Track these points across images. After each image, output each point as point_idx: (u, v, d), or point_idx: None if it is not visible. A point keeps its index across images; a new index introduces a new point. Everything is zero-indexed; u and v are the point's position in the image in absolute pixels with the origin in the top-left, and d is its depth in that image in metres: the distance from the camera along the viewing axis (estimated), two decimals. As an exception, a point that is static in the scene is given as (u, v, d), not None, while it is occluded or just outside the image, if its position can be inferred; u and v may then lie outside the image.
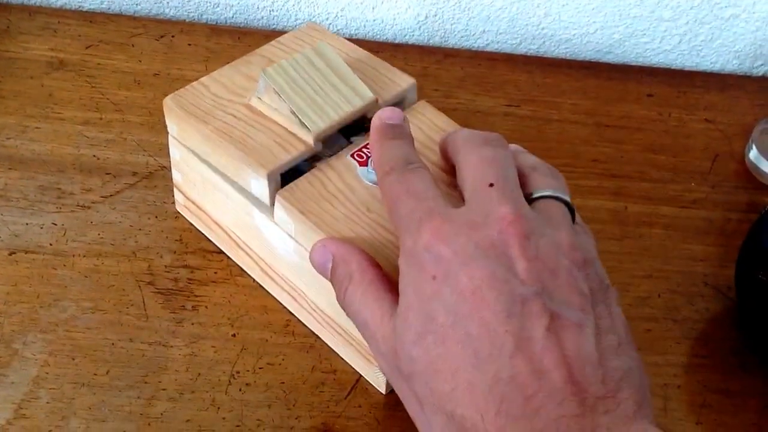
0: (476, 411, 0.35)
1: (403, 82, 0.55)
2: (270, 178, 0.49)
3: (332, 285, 0.44)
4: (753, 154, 0.66)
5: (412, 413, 0.40)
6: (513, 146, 0.48)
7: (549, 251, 0.39)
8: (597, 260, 0.42)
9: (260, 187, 0.49)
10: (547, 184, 0.43)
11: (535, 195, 0.43)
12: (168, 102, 0.52)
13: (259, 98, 0.52)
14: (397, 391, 0.41)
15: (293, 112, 0.50)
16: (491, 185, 0.41)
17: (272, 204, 0.50)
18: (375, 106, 0.52)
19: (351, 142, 0.52)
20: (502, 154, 0.43)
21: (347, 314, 0.44)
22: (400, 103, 0.55)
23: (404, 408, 0.49)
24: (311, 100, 0.51)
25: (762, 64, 0.78)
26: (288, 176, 0.50)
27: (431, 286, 0.38)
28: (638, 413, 0.35)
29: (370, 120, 0.50)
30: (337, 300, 0.44)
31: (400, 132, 0.46)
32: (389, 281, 0.42)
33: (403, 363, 0.39)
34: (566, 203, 0.43)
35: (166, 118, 0.53)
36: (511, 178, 0.42)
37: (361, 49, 0.57)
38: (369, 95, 0.52)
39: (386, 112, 0.47)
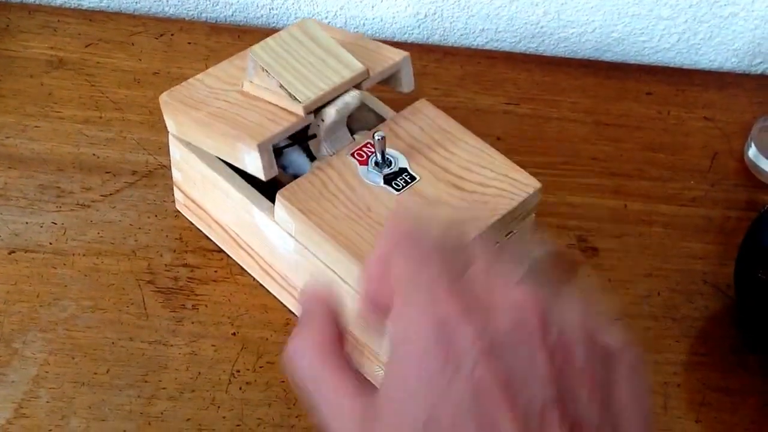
0: None
1: (396, 55, 0.55)
2: (261, 149, 0.48)
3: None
4: (752, 152, 0.66)
5: None
6: None
7: (566, 338, 0.34)
8: (604, 318, 0.37)
9: (253, 160, 0.49)
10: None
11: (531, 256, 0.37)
12: (164, 98, 0.53)
13: (251, 81, 0.52)
14: None
15: (282, 86, 0.50)
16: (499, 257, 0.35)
17: (267, 178, 0.49)
18: (365, 76, 0.52)
19: (354, 140, 0.52)
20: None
21: (292, 364, 0.35)
22: (394, 75, 0.54)
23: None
24: (299, 73, 0.51)
25: (761, 62, 0.78)
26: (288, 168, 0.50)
27: (440, 377, 0.33)
28: None
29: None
30: (289, 343, 0.36)
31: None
32: (346, 349, 0.36)
33: None
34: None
35: (164, 115, 0.53)
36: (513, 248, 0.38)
37: (351, 32, 0.57)
38: (358, 65, 0.52)
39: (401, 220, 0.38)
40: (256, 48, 0.51)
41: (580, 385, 0.34)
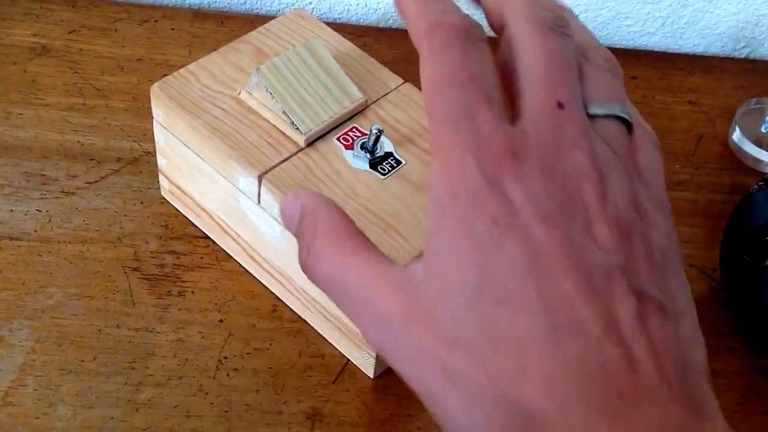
0: (554, 400, 0.29)
1: (391, 81, 0.55)
2: (261, 179, 0.49)
3: (297, 241, 0.34)
4: (736, 135, 0.66)
5: (429, 393, 0.31)
6: None
7: (626, 212, 0.31)
8: (665, 206, 0.34)
9: (249, 184, 0.49)
10: (610, 94, 0.34)
11: (596, 110, 0.33)
12: (156, 90, 0.52)
13: (250, 93, 0.52)
14: (400, 367, 0.32)
15: (285, 113, 0.50)
16: (560, 106, 0.32)
17: (260, 202, 0.50)
18: (364, 106, 0.52)
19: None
20: (570, 51, 0.33)
21: (312, 276, 0.33)
22: (387, 94, 0.54)
23: (393, 392, 0.50)
24: (302, 100, 0.51)
25: (744, 46, 0.78)
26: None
27: (491, 231, 0.30)
28: (718, 414, 0.30)
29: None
30: (302, 262, 0.34)
31: None
32: (364, 236, 0.33)
33: (442, 327, 0.30)
34: (625, 121, 0.34)
35: (152, 105, 0.53)
36: (580, 94, 0.33)
37: (348, 42, 0.57)
38: (358, 96, 0.52)
39: None
40: (263, 68, 0.51)
41: (640, 260, 0.31)
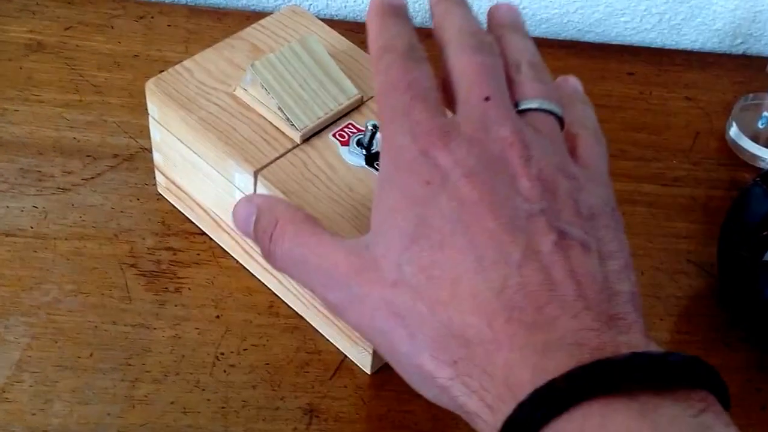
0: (481, 318, 0.33)
1: None
2: (257, 175, 0.48)
3: (255, 239, 0.40)
4: (733, 131, 0.66)
5: (380, 332, 0.36)
6: (502, 12, 0.44)
7: (549, 173, 0.37)
8: (604, 179, 0.40)
9: (245, 181, 0.49)
10: (536, 92, 0.40)
11: (524, 106, 0.40)
12: (151, 86, 0.52)
13: (245, 89, 0.52)
14: (353, 317, 0.37)
15: (280, 109, 0.50)
16: (487, 99, 0.38)
17: (255, 192, 0.49)
18: (360, 103, 0.52)
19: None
20: (496, 62, 0.40)
21: (276, 266, 0.39)
22: None
23: (391, 388, 0.50)
24: (298, 96, 0.50)
25: (741, 42, 0.78)
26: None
27: (425, 189, 0.36)
28: (648, 339, 0.34)
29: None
30: (263, 252, 0.40)
31: (403, 11, 0.41)
32: (316, 219, 0.39)
33: (385, 272, 0.36)
34: (555, 114, 0.40)
35: (147, 101, 0.53)
36: (505, 91, 0.39)
37: (343, 38, 0.57)
38: (354, 92, 0.52)
39: None
40: (258, 64, 0.51)
41: (562, 208, 0.36)
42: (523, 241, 0.34)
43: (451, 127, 0.37)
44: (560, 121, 0.40)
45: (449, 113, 0.39)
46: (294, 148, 0.50)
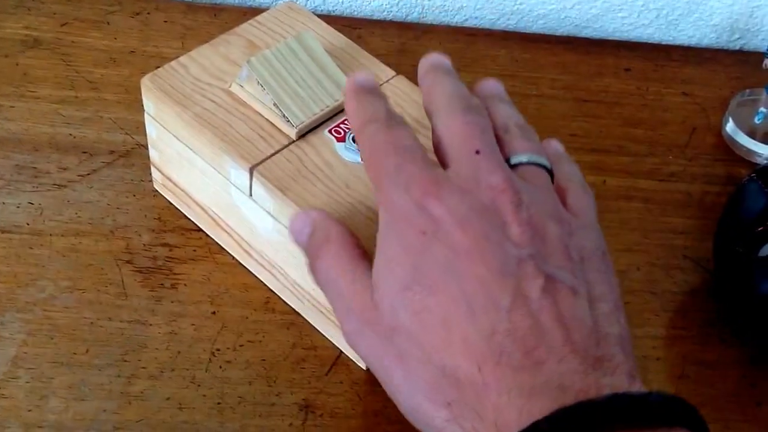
0: (472, 362, 0.35)
1: (383, 74, 0.55)
2: (252, 172, 0.48)
3: (306, 252, 0.43)
4: (730, 126, 0.66)
5: (383, 369, 0.39)
6: (488, 86, 0.46)
7: (539, 218, 0.38)
8: (594, 225, 0.41)
9: (240, 177, 0.49)
10: (524, 147, 0.42)
11: (515, 161, 0.42)
12: (146, 82, 0.52)
13: (241, 85, 0.52)
14: (363, 351, 0.40)
15: (276, 105, 0.50)
16: (477, 152, 0.40)
17: (251, 195, 0.49)
18: None
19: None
20: (484, 121, 0.42)
21: (317, 277, 0.42)
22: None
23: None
24: (294, 92, 0.50)
25: (739, 38, 0.78)
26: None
27: (420, 240, 0.38)
28: (634, 377, 0.36)
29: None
30: (309, 265, 0.42)
31: (376, 90, 0.44)
32: (365, 251, 0.41)
33: (385, 316, 0.38)
34: (544, 167, 0.42)
35: (143, 97, 0.53)
36: (495, 146, 0.41)
37: (340, 35, 0.57)
38: None
39: (359, 74, 0.45)
40: (254, 61, 0.51)
41: (552, 252, 0.38)
42: (513, 286, 0.36)
43: (442, 177, 0.39)
44: (550, 174, 0.42)
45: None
46: (290, 144, 0.50)
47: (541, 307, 0.36)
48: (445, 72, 0.45)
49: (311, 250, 0.43)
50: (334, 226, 0.43)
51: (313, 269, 0.42)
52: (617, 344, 0.36)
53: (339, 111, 0.51)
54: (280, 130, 0.50)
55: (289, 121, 0.50)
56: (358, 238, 0.42)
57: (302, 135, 0.50)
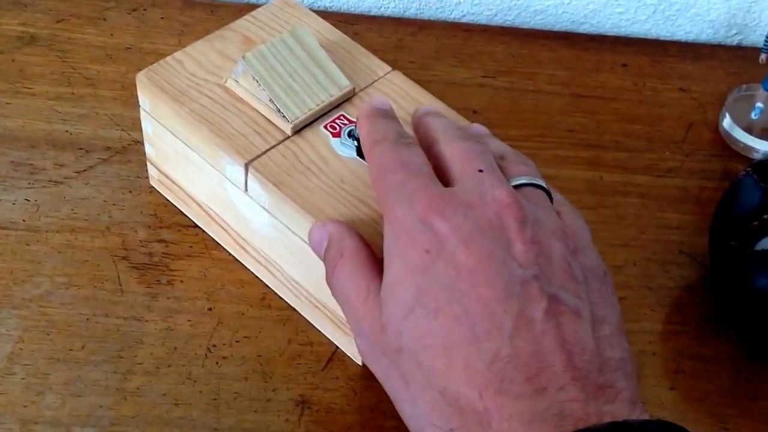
0: (473, 388, 0.35)
1: (379, 69, 0.55)
2: (248, 167, 0.48)
3: (324, 263, 0.43)
4: (726, 122, 0.66)
5: (392, 389, 0.39)
6: (476, 127, 0.48)
7: (544, 236, 0.38)
8: (591, 247, 0.41)
9: (236, 173, 0.49)
10: (522, 171, 0.43)
11: (513, 183, 0.42)
12: (141, 78, 0.52)
13: (236, 81, 0.52)
14: (375, 370, 0.40)
15: (271, 101, 0.50)
16: (480, 171, 0.40)
17: (247, 190, 0.49)
18: (352, 94, 0.52)
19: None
20: (484, 147, 0.43)
21: (333, 292, 0.43)
22: (375, 82, 0.54)
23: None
24: (289, 88, 0.50)
25: (736, 33, 0.78)
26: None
27: (423, 258, 0.37)
28: (635, 403, 0.35)
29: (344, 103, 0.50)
30: (326, 278, 0.43)
31: (390, 113, 0.46)
32: (380, 265, 0.41)
33: (390, 338, 0.38)
34: (543, 189, 0.43)
35: (138, 93, 0.53)
36: (496, 168, 0.42)
37: (336, 30, 0.56)
38: (346, 84, 0.52)
39: (377, 98, 0.47)
40: (249, 56, 0.51)
41: (557, 274, 0.37)
42: (516, 309, 0.36)
43: (447, 194, 0.39)
44: (548, 196, 0.43)
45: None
46: (285, 140, 0.50)
47: (544, 331, 0.35)
48: (438, 114, 0.46)
49: (327, 264, 0.43)
50: (348, 238, 0.43)
51: (329, 283, 0.43)
52: (619, 369, 0.36)
53: (334, 106, 0.51)
54: (275, 126, 0.50)
55: (284, 116, 0.50)
56: (373, 251, 0.42)
57: (298, 130, 0.50)
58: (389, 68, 0.55)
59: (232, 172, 0.49)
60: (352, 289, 0.41)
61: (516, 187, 0.41)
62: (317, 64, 0.52)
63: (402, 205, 0.39)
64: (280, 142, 0.50)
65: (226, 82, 0.52)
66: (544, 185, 0.42)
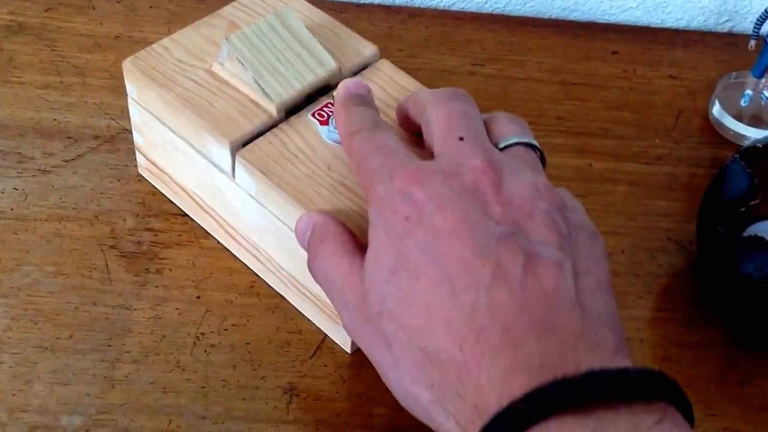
0: (453, 342, 0.35)
1: (365, 49, 0.54)
2: (233, 148, 0.48)
3: (307, 251, 0.44)
4: (716, 109, 0.66)
5: (376, 357, 0.40)
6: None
7: (524, 194, 0.39)
8: (580, 209, 0.42)
9: (222, 156, 0.49)
10: (511, 131, 0.44)
11: (502, 144, 0.43)
12: (128, 65, 0.52)
13: (222, 64, 0.51)
14: (359, 340, 0.41)
15: (256, 81, 0.50)
16: (461, 138, 0.41)
17: (233, 171, 0.49)
18: (338, 74, 0.52)
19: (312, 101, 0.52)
20: (470, 108, 0.44)
21: (315, 276, 0.43)
22: (363, 70, 0.54)
23: (370, 366, 0.50)
24: (274, 69, 0.50)
25: (727, 20, 0.78)
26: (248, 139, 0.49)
27: (403, 226, 0.38)
28: (618, 352, 0.35)
29: (333, 88, 0.50)
30: (308, 264, 0.44)
31: (365, 99, 0.47)
32: (362, 247, 0.42)
33: (373, 303, 0.39)
34: (534, 147, 0.43)
35: (125, 81, 0.53)
36: (480, 131, 0.42)
37: (323, 13, 0.56)
38: (332, 64, 0.52)
39: (351, 81, 0.47)
40: (233, 38, 0.51)
41: (537, 226, 0.38)
42: (493, 263, 0.36)
43: (425, 166, 0.40)
44: (540, 154, 0.44)
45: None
46: (272, 123, 0.50)
47: (522, 284, 0.36)
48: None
49: (310, 249, 0.44)
50: (331, 225, 0.44)
51: (311, 268, 0.43)
52: (600, 318, 0.36)
53: (320, 87, 0.51)
54: (260, 107, 0.50)
55: (269, 96, 0.50)
56: (354, 236, 0.43)
57: (286, 115, 0.50)
58: (375, 48, 0.54)
59: (218, 156, 0.49)
60: (334, 266, 0.42)
61: (504, 147, 0.43)
62: (302, 45, 0.52)
63: (383, 182, 0.40)
64: (268, 129, 0.50)
65: (212, 67, 0.52)
66: (534, 142, 0.43)
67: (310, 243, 0.44)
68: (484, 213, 0.38)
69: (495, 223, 0.38)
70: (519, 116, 0.46)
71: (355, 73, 0.54)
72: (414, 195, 0.39)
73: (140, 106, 0.53)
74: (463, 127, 0.42)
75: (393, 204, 0.39)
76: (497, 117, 0.45)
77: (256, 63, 0.50)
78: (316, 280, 0.43)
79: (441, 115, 0.43)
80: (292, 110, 0.51)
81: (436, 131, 0.43)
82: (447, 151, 0.41)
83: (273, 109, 0.50)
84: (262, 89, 0.50)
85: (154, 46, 0.53)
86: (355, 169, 0.43)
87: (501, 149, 0.43)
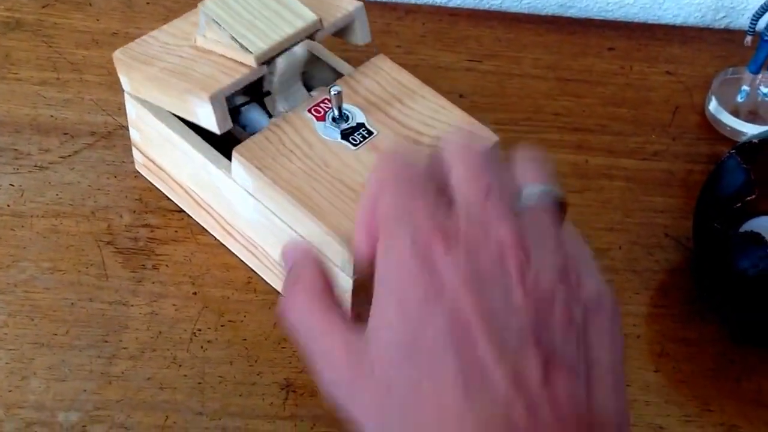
0: None
1: (349, 5, 0.54)
2: (213, 101, 0.48)
3: (282, 290, 0.40)
4: (713, 105, 0.66)
5: (370, 428, 0.37)
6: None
7: (548, 279, 0.36)
8: (594, 271, 0.39)
9: (206, 114, 0.49)
10: (533, 177, 0.40)
11: (527, 199, 0.39)
12: (118, 55, 0.52)
13: (204, 36, 0.52)
14: (343, 400, 0.37)
15: (233, 38, 0.50)
16: (487, 196, 0.38)
17: (222, 131, 0.49)
18: (318, 26, 0.52)
19: (311, 96, 0.52)
20: (492, 159, 0.39)
21: (283, 316, 0.39)
22: (348, 26, 0.54)
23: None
24: (252, 25, 0.51)
25: (724, 17, 0.78)
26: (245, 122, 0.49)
27: (421, 307, 0.36)
28: None
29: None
30: (279, 301, 0.40)
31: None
32: (336, 299, 0.39)
33: (380, 379, 0.36)
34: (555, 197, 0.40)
35: (118, 72, 0.53)
36: (506, 186, 0.39)
37: None
38: (310, 15, 0.52)
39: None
40: (209, 3, 0.51)
41: (555, 322, 0.36)
42: (511, 368, 0.34)
43: (451, 226, 0.36)
44: (560, 205, 0.40)
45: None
46: (254, 78, 0.50)
47: (540, 395, 0.34)
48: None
49: (283, 290, 0.40)
50: (307, 266, 0.40)
51: (280, 306, 0.39)
52: (610, 424, 0.35)
53: (298, 39, 0.51)
54: (241, 63, 0.50)
55: (247, 49, 0.49)
56: (325, 279, 0.39)
57: (264, 61, 0.50)
58: (358, 3, 0.54)
59: (204, 117, 0.49)
60: (316, 317, 0.38)
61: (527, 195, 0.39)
62: (279, 2, 0.52)
63: (405, 235, 0.36)
64: (247, 77, 0.50)
65: (195, 42, 0.52)
66: (554, 192, 0.40)
67: (286, 281, 0.40)
68: (506, 299, 0.36)
69: (516, 312, 0.35)
70: (538, 152, 0.41)
71: (339, 28, 0.53)
72: (437, 265, 0.36)
73: (134, 98, 0.53)
74: (488, 179, 0.38)
75: (412, 269, 0.36)
76: (519, 158, 0.40)
77: (232, 22, 0.50)
78: (283, 320, 0.39)
79: (464, 165, 0.39)
80: (271, 60, 0.51)
81: (459, 184, 0.39)
82: (471, 209, 0.37)
83: (252, 61, 0.50)
84: (240, 44, 0.50)
85: (144, 37, 0.53)
86: (377, 214, 0.39)
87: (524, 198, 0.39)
